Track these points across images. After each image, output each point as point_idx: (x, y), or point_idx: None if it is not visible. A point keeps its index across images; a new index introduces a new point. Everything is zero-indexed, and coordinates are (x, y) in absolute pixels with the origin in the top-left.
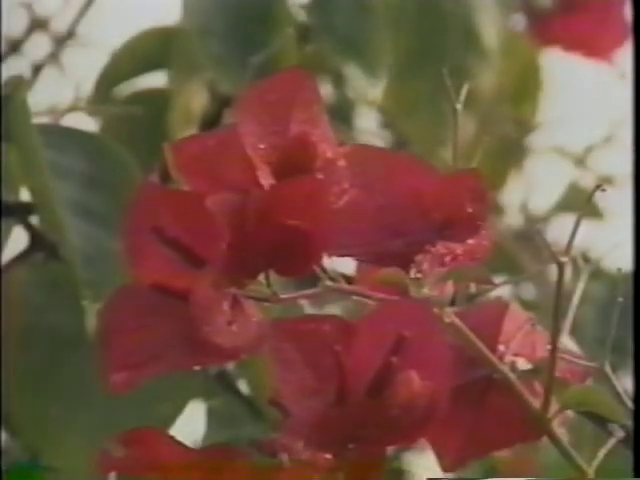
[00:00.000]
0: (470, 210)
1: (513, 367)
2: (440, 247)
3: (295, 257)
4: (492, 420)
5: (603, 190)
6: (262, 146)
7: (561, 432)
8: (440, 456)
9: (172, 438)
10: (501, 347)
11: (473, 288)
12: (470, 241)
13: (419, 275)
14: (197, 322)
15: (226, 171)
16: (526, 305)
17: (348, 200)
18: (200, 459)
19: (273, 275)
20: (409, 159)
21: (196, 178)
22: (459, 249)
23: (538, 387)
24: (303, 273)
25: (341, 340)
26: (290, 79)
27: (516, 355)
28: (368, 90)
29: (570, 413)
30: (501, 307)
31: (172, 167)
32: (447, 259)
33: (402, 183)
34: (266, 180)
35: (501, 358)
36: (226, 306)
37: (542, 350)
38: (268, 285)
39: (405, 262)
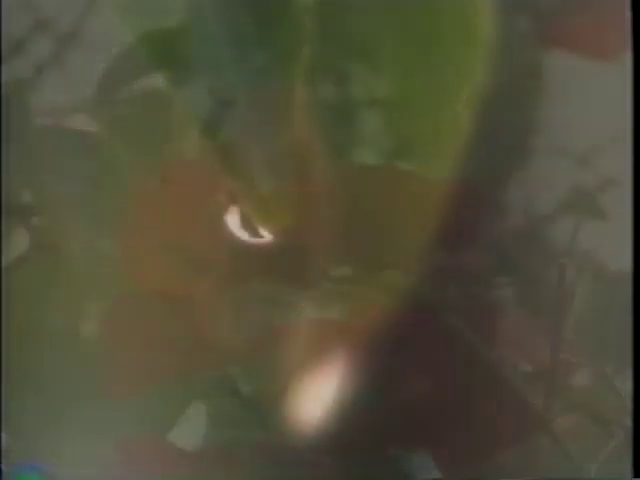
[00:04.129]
0: (466, 216)
1: (514, 369)
2: (434, 259)
3: (296, 260)
4: (492, 423)
5: (604, 191)
6: (261, 150)
7: (561, 433)
8: (439, 461)
9: (170, 446)
10: (502, 349)
11: (474, 289)
12: (462, 255)
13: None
14: (199, 325)
15: (225, 177)
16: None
17: (345, 208)
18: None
19: (275, 277)
20: (404, 169)
21: (194, 184)
22: (454, 262)
23: (539, 388)
24: (304, 276)
25: (343, 342)
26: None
27: (517, 357)
28: (372, 90)
29: (570, 414)
30: (500, 309)
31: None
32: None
33: (397, 192)
34: (266, 185)
35: (502, 360)
36: (228, 309)
37: (543, 351)
38: (270, 288)
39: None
